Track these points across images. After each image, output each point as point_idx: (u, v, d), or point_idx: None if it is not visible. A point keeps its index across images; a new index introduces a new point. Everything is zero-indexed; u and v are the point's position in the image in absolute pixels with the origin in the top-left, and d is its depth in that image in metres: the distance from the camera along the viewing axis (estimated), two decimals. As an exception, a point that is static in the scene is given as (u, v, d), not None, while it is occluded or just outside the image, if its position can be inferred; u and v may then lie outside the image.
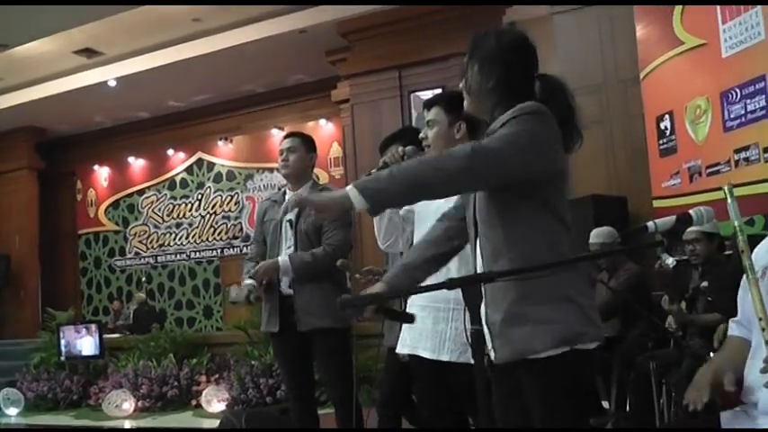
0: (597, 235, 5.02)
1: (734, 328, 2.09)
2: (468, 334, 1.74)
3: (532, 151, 1.92)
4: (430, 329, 2.73)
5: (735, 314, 2.08)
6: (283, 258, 3.55)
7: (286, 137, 3.82)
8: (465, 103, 2.17)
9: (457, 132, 2.70)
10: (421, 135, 2.72)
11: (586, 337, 1.93)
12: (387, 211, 2.50)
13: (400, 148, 2.50)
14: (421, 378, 2.92)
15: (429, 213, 2.58)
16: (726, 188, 1.84)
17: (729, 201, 1.81)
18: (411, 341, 2.83)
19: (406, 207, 2.88)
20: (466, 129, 2.69)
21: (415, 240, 2.66)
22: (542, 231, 1.98)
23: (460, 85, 2.18)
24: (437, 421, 2.92)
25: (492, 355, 1.99)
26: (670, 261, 3.45)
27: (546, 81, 2.11)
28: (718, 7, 5.36)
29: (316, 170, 3.96)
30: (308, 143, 3.79)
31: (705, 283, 4.26)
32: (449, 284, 1.69)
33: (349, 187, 1.82)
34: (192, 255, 12.14)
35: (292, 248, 3.62)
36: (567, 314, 1.91)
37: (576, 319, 1.93)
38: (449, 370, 2.69)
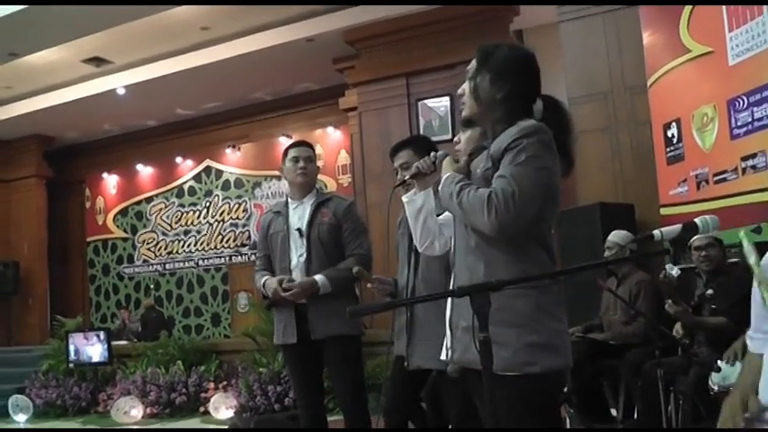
0: (615, 234, 5.09)
1: (750, 346, 1.95)
2: (477, 342, 1.76)
3: (541, 189, 2.00)
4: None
5: (739, 320, 2.03)
6: (321, 278, 3.55)
7: (298, 145, 3.86)
8: (467, 107, 2.21)
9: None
10: (455, 140, 2.78)
11: (535, 366, 1.96)
12: (422, 213, 2.57)
13: (432, 154, 2.54)
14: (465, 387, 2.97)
15: None
16: None
17: None
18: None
19: (446, 214, 2.93)
20: None
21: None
22: (523, 263, 2.02)
23: (461, 90, 2.23)
24: (463, 424, 2.98)
25: (450, 354, 2.12)
26: (674, 271, 3.45)
27: (549, 101, 2.18)
28: (725, 15, 5.37)
29: (324, 177, 4.02)
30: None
31: (710, 291, 4.27)
32: (457, 293, 1.71)
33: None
34: (200, 262, 12.18)
35: (304, 257, 3.64)
36: (518, 340, 1.96)
37: (528, 346, 1.97)
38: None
